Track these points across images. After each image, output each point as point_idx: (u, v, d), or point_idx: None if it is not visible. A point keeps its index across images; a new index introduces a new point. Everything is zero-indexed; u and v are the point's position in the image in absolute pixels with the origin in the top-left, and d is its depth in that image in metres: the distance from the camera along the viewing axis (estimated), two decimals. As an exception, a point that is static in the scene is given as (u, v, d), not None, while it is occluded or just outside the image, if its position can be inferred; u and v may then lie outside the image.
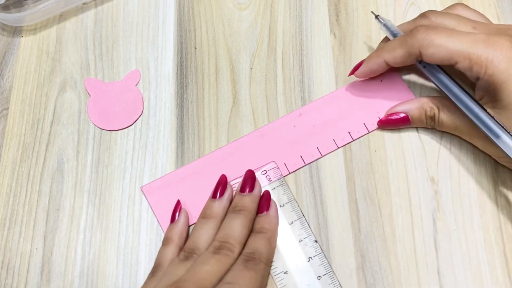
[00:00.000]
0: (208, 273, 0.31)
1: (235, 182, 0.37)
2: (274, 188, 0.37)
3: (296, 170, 0.38)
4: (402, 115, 0.37)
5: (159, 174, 0.39)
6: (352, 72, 0.39)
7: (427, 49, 0.33)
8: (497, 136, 0.32)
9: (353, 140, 0.38)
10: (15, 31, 0.45)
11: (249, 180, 0.36)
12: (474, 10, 0.37)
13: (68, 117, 0.41)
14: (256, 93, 0.41)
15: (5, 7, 0.44)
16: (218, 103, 0.41)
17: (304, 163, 0.38)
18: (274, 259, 0.35)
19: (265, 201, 0.36)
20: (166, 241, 0.35)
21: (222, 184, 0.36)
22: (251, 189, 0.36)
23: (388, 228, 0.36)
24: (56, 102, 0.42)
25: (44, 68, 0.43)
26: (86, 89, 0.42)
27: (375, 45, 0.41)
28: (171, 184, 0.38)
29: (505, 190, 0.36)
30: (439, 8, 0.43)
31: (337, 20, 0.43)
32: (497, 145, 0.32)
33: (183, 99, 0.41)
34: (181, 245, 0.35)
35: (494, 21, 0.42)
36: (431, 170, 0.37)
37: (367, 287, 0.34)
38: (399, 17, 0.43)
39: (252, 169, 0.37)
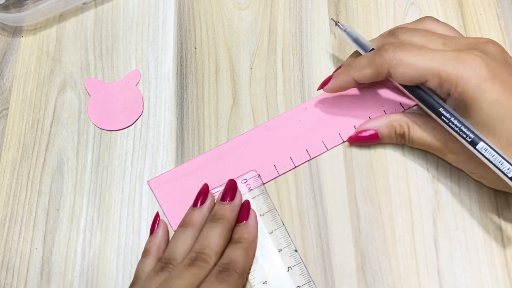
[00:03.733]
0: None
1: (216, 191, 0.37)
2: (254, 197, 0.37)
3: (301, 164, 0.38)
4: (371, 132, 0.37)
5: (159, 174, 0.39)
6: (321, 87, 0.38)
7: (396, 69, 0.33)
8: (473, 146, 0.31)
9: None
10: (15, 31, 0.45)
11: (230, 189, 0.36)
12: (444, 24, 0.37)
13: (68, 117, 0.41)
14: (256, 93, 0.41)
15: (5, 7, 0.44)
16: (218, 103, 0.41)
17: (310, 156, 0.38)
18: (253, 268, 0.34)
19: (244, 210, 0.36)
20: (144, 253, 0.35)
21: (203, 193, 0.36)
22: (232, 198, 0.35)
23: (388, 228, 0.36)
24: (56, 102, 0.42)
25: (44, 68, 0.43)
26: (86, 89, 0.42)
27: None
28: (178, 178, 0.38)
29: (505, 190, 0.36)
30: (439, 8, 0.43)
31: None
32: (474, 153, 0.32)
33: (183, 99, 0.41)
34: (160, 256, 0.34)
35: (495, 21, 0.42)
36: (431, 170, 0.37)
37: (367, 287, 0.34)
38: (399, 17, 0.43)
39: (258, 163, 0.37)
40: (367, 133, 0.37)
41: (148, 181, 0.38)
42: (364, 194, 0.37)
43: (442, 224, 0.35)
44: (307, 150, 0.38)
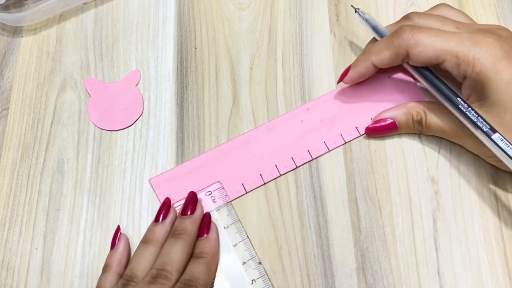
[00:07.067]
0: None
1: (179, 204, 0.36)
2: (219, 209, 0.37)
3: (303, 165, 0.38)
4: (389, 121, 0.37)
5: (159, 174, 0.39)
6: (341, 79, 0.38)
7: (414, 49, 0.33)
8: (489, 136, 0.32)
9: (360, 135, 0.38)
10: (15, 31, 0.45)
11: (191, 202, 0.35)
12: (458, 10, 0.37)
13: (68, 117, 0.41)
14: (256, 93, 0.41)
15: (5, 7, 0.44)
16: (218, 103, 0.41)
17: (311, 157, 0.38)
18: (217, 282, 0.34)
19: (205, 223, 0.35)
20: (105, 268, 0.34)
21: (165, 207, 0.35)
22: (192, 212, 0.35)
23: (388, 228, 0.36)
24: (56, 102, 0.42)
25: (44, 68, 0.43)
26: (86, 89, 0.42)
27: (375, 45, 0.41)
28: (179, 177, 0.38)
29: (505, 190, 0.36)
30: (439, 8, 0.43)
31: (337, 20, 0.43)
32: (487, 145, 0.32)
33: (183, 99, 0.41)
34: (121, 271, 0.34)
35: (495, 21, 0.42)
36: (431, 170, 0.37)
37: (367, 287, 0.34)
38: (399, 17, 0.43)
39: (259, 163, 0.37)
40: (385, 123, 0.37)
41: (149, 180, 0.38)
42: (364, 194, 0.37)
43: (442, 224, 0.36)
44: (308, 151, 0.38)
